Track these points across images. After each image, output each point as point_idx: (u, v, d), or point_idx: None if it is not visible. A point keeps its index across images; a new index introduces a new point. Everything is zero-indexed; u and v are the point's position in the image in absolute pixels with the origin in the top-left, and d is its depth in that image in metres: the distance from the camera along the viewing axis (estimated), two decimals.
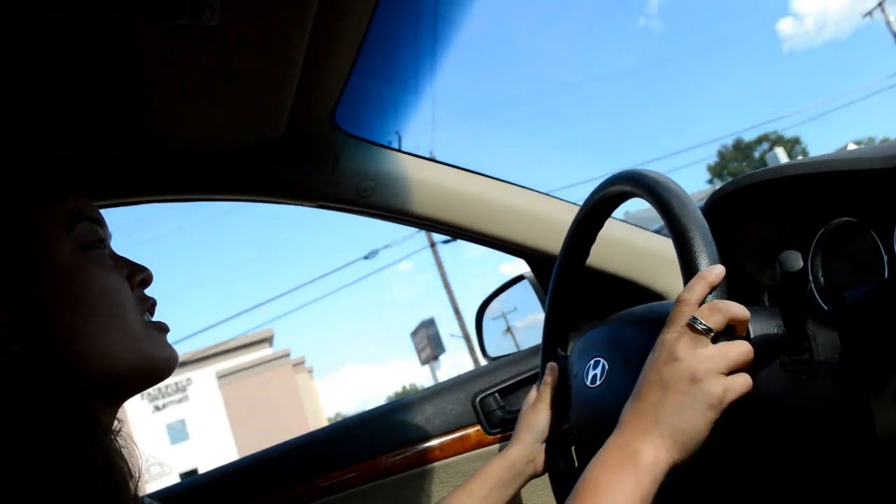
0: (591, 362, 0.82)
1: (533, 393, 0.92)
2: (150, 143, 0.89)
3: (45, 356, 0.57)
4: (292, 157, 1.00)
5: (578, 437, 0.84)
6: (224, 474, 1.14)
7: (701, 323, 0.60)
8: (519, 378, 1.18)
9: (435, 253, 15.68)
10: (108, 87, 0.77)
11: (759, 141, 39.92)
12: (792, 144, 38.72)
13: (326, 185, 1.03)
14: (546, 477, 0.89)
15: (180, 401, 24.59)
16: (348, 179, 1.04)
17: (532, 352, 1.22)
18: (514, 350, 1.31)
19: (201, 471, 1.18)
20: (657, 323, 0.65)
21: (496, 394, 1.17)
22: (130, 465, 0.58)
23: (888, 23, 20.70)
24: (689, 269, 0.63)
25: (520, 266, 1.25)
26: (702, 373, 0.59)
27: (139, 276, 0.68)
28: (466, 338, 15.55)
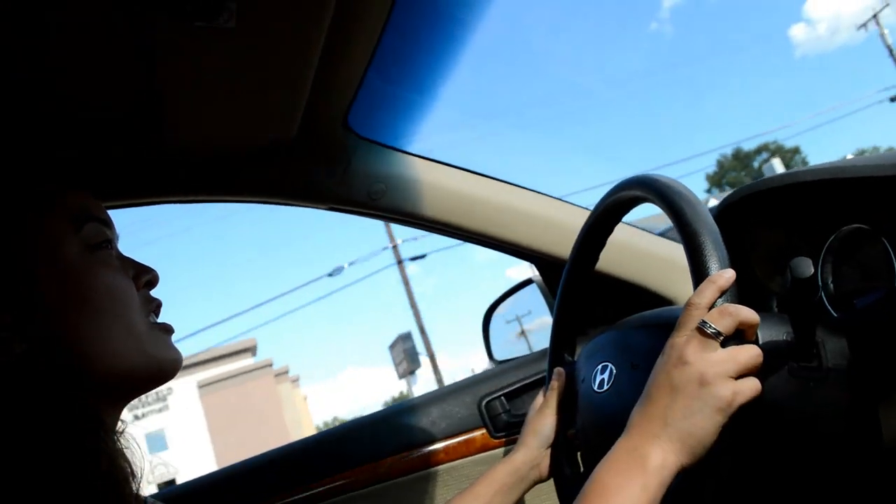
0: (599, 367, 0.81)
1: (539, 398, 0.92)
2: (161, 143, 0.89)
3: (47, 356, 0.57)
4: (304, 158, 1.01)
5: (584, 442, 0.84)
6: (228, 475, 1.14)
7: (710, 326, 0.60)
8: (525, 382, 1.18)
9: (401, 270, 15.50)
10: (122, 88, 0.77)
11: (759, 151, 39.82)
12: (792, 154, 38.60)
13: (337, 187, 1.04)
14: (551, 483, 0.89)
15: (160, 410, 24.27)
16: (359, 182, 1.04)
17: (538, 356, 1.22)
18: (525, 353, 1.31)
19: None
20: (666, 328, 0.65)
21: (502, 397, 1.17)
22: (133, 465, 0.58)
23: (882, 35, 20.57)
24: (699, 273, 0.63)
25: (525, 271, 1.25)
26: (711, 376, 0.59)
27: (145, 276, 0.69)
28: (432, 357, 15.39)
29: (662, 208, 0.70)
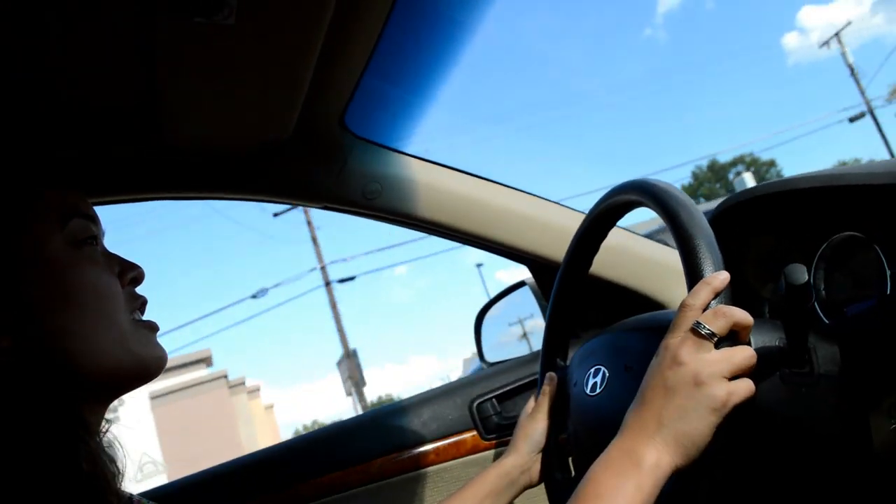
0: (592, 371, 0.82)
1: (531, 402, 0.92)
2: (158, 140, 0.89)
3: (32, 353, 0.57)
4: (300, 157, 1.01)
5: (576, 446, 0.84)
6: (217, 474, 1.13)
7: (704, 327, 0.60)
8: (517, 384, 1.18)
9: (329, 292, 15.45)
10: (120, 84, 0.77)
11: (734, 163, 39.85)
12: (767, 167, 38.73)
13: (333, 186, 1.04)
14: (542, 488, 0.88)
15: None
16: (355, 181, 1.04)
17: (530, 358, 1.22)
18: (525, 353, 1.31)
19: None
20: (660, 331, 0.65)
21: (493, 399, 1.17)
22: (117, 463, 0.58)
23: (843, 53, 20.71)
24: (693, 275, 0.63)
25: (518, 273, 1.25)
26: (705, 377, 0.59)
27: (130, 273, 0.68)
28: (356, 383, 15.20)
29: (658, 212, 0.70)
